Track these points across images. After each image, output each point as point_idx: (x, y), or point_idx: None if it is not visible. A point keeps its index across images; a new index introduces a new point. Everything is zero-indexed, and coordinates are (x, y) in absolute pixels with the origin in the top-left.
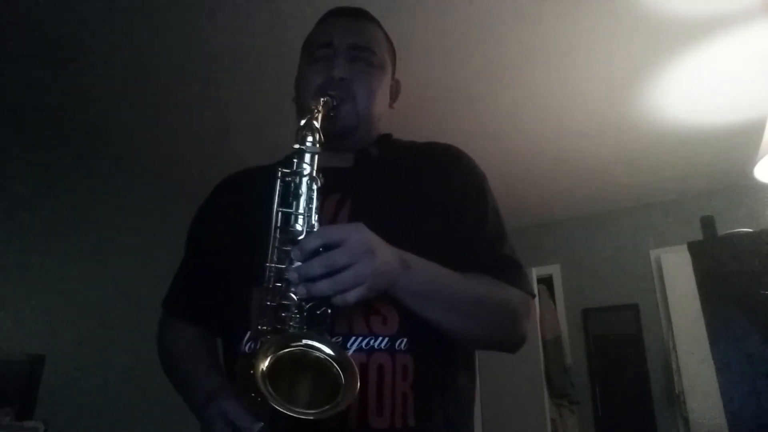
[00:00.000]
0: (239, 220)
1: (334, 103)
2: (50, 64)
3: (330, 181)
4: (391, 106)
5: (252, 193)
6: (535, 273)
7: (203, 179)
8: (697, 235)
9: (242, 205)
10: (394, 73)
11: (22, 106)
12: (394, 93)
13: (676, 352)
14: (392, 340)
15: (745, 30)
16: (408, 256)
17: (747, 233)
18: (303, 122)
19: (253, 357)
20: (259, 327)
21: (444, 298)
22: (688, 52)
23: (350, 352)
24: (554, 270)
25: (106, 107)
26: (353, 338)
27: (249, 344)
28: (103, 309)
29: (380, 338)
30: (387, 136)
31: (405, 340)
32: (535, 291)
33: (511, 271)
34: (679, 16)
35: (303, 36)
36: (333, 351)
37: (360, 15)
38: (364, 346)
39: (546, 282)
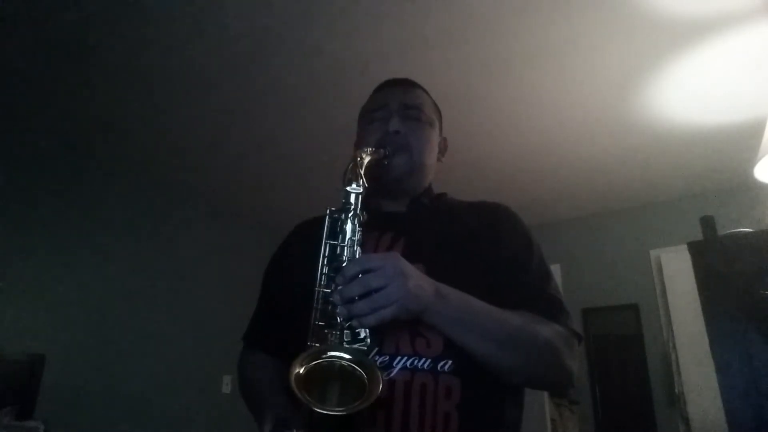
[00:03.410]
0: (307, 263)
1: (387, 153)
2: (51, 64)
3: (386, 222)
4: (439, 160)
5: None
6: None
7: (203, 183)
8: (697, 235)
9: (310, 249)
10: (441, 131)
11: (25, 107)
12: (443, 149)
13: (676, 352)
14: (435, 361)
15: (745, 30)
16: (444, 287)
17: (747, 233)
18: (349, 166)
19: (290, 366)
20: (309, 344)
21: (478, 325)
22: (688, 52)
23: (396, 370)
24: (554, 270)
25: (111, 107)
26: (399, 358)
27: None
28: (104, 309)
29: (423, 359)
30: (441, 195)
31: (450, 362)
32: (580, 330)
33: (552, 308)
34: (679, 16)
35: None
36: (353, 355)
37: (409, 83)
38: (408, 365)
39: None
